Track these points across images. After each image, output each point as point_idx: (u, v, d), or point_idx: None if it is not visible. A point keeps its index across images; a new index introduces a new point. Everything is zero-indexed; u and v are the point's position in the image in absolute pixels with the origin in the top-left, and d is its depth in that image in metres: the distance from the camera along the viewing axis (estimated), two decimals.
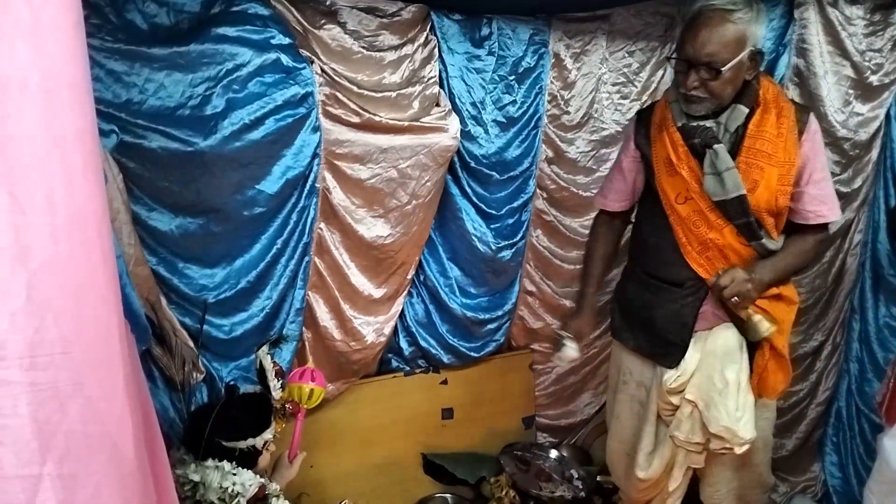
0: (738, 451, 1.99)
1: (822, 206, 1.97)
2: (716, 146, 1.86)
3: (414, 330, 2.63)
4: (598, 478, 2.87)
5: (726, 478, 2.19)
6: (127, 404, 0.83)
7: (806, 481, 3.08)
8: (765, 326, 1.92)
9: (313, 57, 2.01)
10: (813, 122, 1.95)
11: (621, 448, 2.33)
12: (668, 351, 2.07)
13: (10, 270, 0.74)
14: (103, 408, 0.81)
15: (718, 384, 1.99)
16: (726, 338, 2.02)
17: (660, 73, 2.74)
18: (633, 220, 2.28)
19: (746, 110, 1.88)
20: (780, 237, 1.99)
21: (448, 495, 2.77)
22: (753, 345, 2.01)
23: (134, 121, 1.76)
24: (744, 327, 1.97)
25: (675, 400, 2.07)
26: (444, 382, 2.77)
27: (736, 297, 1.89)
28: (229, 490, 1.58)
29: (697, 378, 2.03)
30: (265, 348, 1.84)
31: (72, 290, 0.78)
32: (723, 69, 1.78)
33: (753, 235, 1.92)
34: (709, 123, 1.88)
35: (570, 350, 2.12)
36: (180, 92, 1.82)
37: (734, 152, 1.88)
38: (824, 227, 2.02)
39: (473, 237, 2.54)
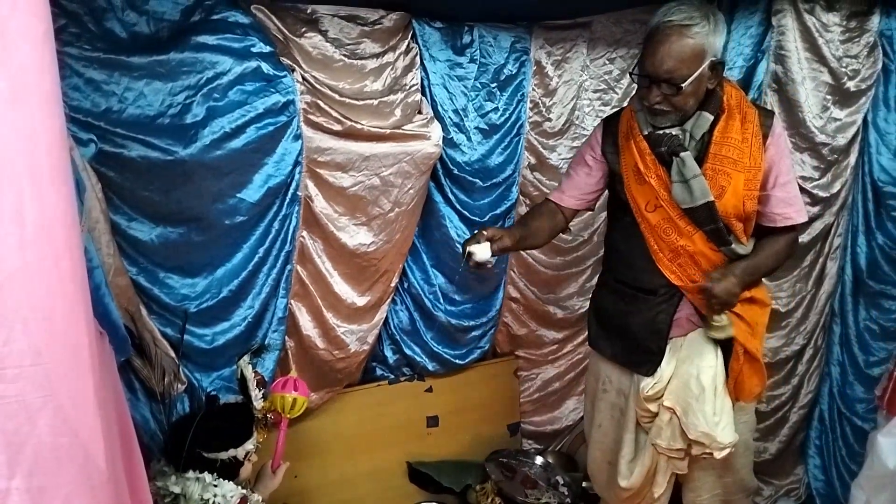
0: (719, 455, 2.00)
1: (790, 208, 2.00)
2: (682, 154, 1.87)
3: (398, 338, 2.63)
4: (584, 484, 2.86)
5: (709, 483, 2.20)
6: (98, 414, 0.82)
7: (789, 484, 3.10)
8: (727, 331, 1.96)
9: (294, 65, 2.01)
10: (777, 126, 1.98)
11: (603, 458, 2.33)
12: (645, 359, 2.08)
13: None
14: (73, 418, 0.80)
15: (695, 390, 2.00)
16: (700, 343, 2.04)
17: None
18: (606, 230, 2.29)
19: (711, 117, 1.89)
20: (750, 242, 2.01)
21: (433, 503, 2.76)
22: (728, 349, 2.03)
23: (113, 130, 1.75)
24: (708, 325, 2.00)
25: (653, 407, 2.08)
26: (429, 390, 2.76)
27: (720, 306, 1.92)
28: (210, 502, 1.57)
29: (674, 384, 2.04)
30: (246, 358, 1.83)
31: (40, 301, 0.77)
32: (683, 85, 1.80)
33: (723, 241, 1.95)
34: (675, 131, 1.90)
35: (484, 250, 1.96)
36: (160, 101, 1.81)
37: (700, 159, 1.90)
38: (793, 228, 2.05)
39: (457, 244, 2.54)
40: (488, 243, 1.97)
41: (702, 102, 1.90)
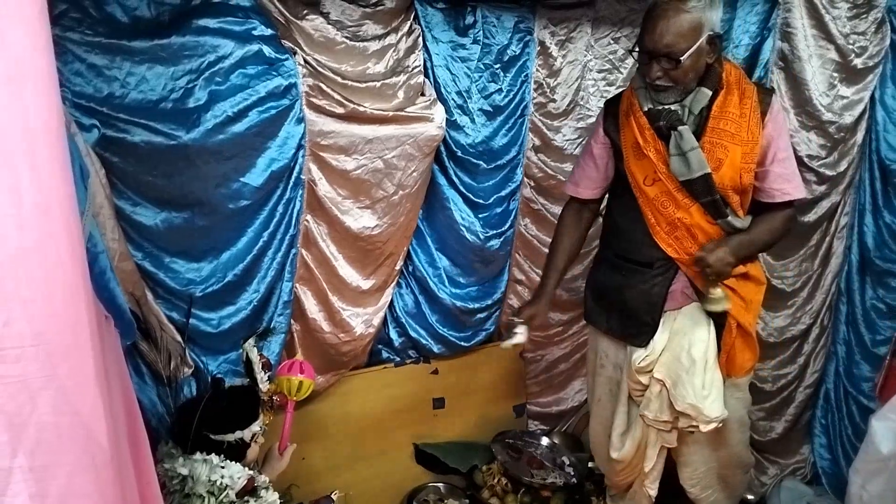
0: (704, 428, 2.03)
1: (787, 184, 2.03)
2: (680, 128, 1.92)
3: (403, 321, 2.63)
4: (590, 464, 2.88)
5: (703, 458, 2.23)
6: (99, 394, 0.83)
7: (795, 463, 3.10)
8: (724, 304, 1.98)
9: (296, 48, 2.00)
10: (776, 103, 2.02)
11: (603, 431, 2.37)
12: (639, 331, 2.12)
13: None
14: (75, 397, 0.80)
15: (685, 362, 2.04)
16: (694, 317, 2.07)
17: None
18: (604, 208, 2.32)
19: (710, 93, 1.94)
20: (747, 217, 2.05)
21: (440, 484, 2.78)
22: (721, 325, 2.06)
23: (116, 115, 1.75)
24: (704, 298, 2.02)
25: (644, 379, 2.12)
26: (435, 372, 2.77)
27: (715, 275, 1.95)
28: (218, 483, 1.58)
29: (665, 357, 2.08)
30: (251, 341, 1.84)
31: (39, 282, 0.77)
32: (682, 58, 1.84)
33: (720, 213, 1.98)
34: (673, 107, 1.94)
35: (520, 336, 2.19)
36: (162, 85, 1.81)
37: (699, 133, 1.95)
38: (790, 204, 2.08)
39: (462, 227, 2.54)
40: (524, 327, 2.18)
41: (701, 78, 1.94)
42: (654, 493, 2.30)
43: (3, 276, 0.75)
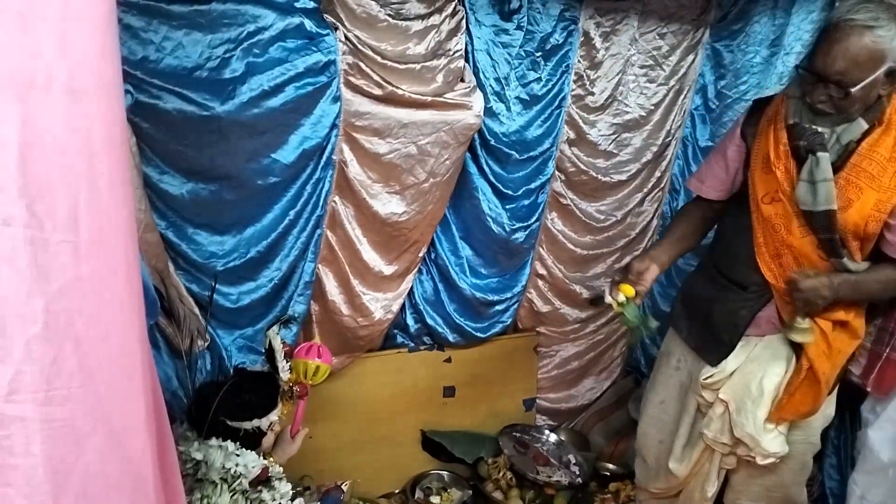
0: (762, 461, 1.96)
1: None
2: (819, 153, 1.74)
3: (421, 307, 2.60)
4: (596, 464, 2.86)
5: (753, 492, 2.15)
6: (149, 439, 0.78)
7: None
8: (803, 336, 1.86)
9: (337, 23, 1.93)
10: None
11: (657, 434, 2.28)
12: (715, 348, 2.03)
13: (26, 293, 0.67)
14: (125, 444, 0.74)
15: (754, 391, 1.95)
16: (774, 348, 1.97)
17: (690, 57, 2.66)
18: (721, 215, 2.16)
19: (866, 126, 1.75)
20: (864, 263, 1.87)
21: (445, 473, 2.77)
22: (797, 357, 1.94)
23: (150, 80, 1.69)
24: (788, 324, 1.91)
25: (708, 396, 2.04)
26: (448, 360, 2.74)
27: (802, 302, 1.83)
28: (232, 471, 1.55)
29: (735, 379, 1.99)
30: (275, 328, 1.80)
31: (94, 315, 0.71)
32: (853, 90, 1.66)
33: (835, 252, 1.83)
34: (821, 129, 1.76)
35: (608, 298, 1.97)
36: (198, 52, 1.74)
37: (837, 165, 1.77)
38: None
39: (488, 217, 2.49)
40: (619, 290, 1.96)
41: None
42: None
43: (55, 309, 0.68)
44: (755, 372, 1.97)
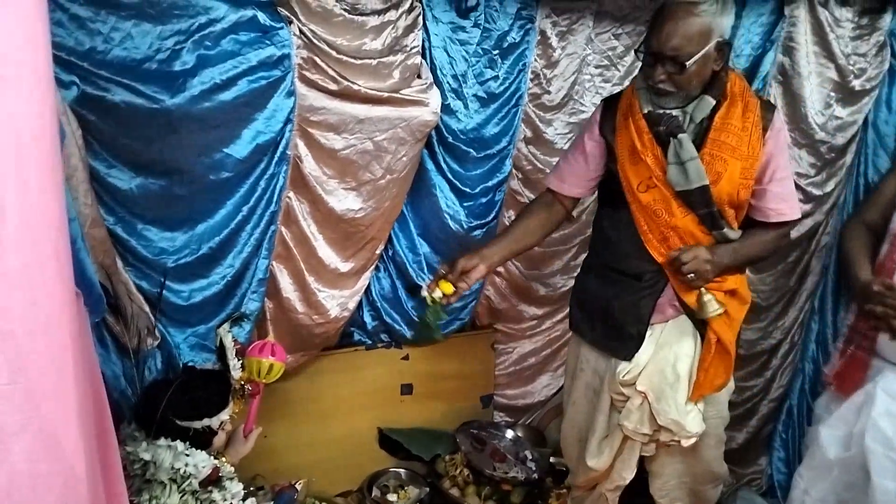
0: (686, 443, 2.02)
1: (783, 203, 2.00)
2: (680, 136, 1.87)
3: (379, 305, 2.58)
4: (552, 459, 2.88)
5: (676, 471, 2.22)
6: (80, 435, 0.75)
7: (752, 474, 3.15)
8: (714, 307, 1.94)
9: (292, 17, 1.91)
10: (777, 120, 1.97)
11: (576, 434, 2.35)
12: (624, 344, 2.08)
13: None
14: (56, 440, 0.71)
15: (670, 377, 2.01)
16: (680, 328, 2.04)
17: None
18: (594, 216, 2.25)
19: (713, 102, 1.89)
20: (741, 230, 2.01)
21: (402, 470, 2.76)
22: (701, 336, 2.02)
23: (97, 71, 1.65)
24: (694, 307, 1.98)
25: (626, 391, 2.09)
26: (406, 358, 2.74)
27: (693, 274, 1.91)
28: (181, 471, 1.52)
29: (650, 369, 2.04)
30: (226, 326, 1.77)
31: (22, 312, 0.68)
32: (687, 63, 1.79)
33: (715, 225, 1.95)
34: (675, 112, 1.89)
35: (423, 292, 2.00)
36: (148, 44, 1.71)
37: (699, 143, 1.90)
38: (784, 224, 2.05)
39: (446, 215, 2.48)
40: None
41: (705, 87, 1.89)
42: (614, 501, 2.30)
43: None
44: (667, 357, 2.03)
